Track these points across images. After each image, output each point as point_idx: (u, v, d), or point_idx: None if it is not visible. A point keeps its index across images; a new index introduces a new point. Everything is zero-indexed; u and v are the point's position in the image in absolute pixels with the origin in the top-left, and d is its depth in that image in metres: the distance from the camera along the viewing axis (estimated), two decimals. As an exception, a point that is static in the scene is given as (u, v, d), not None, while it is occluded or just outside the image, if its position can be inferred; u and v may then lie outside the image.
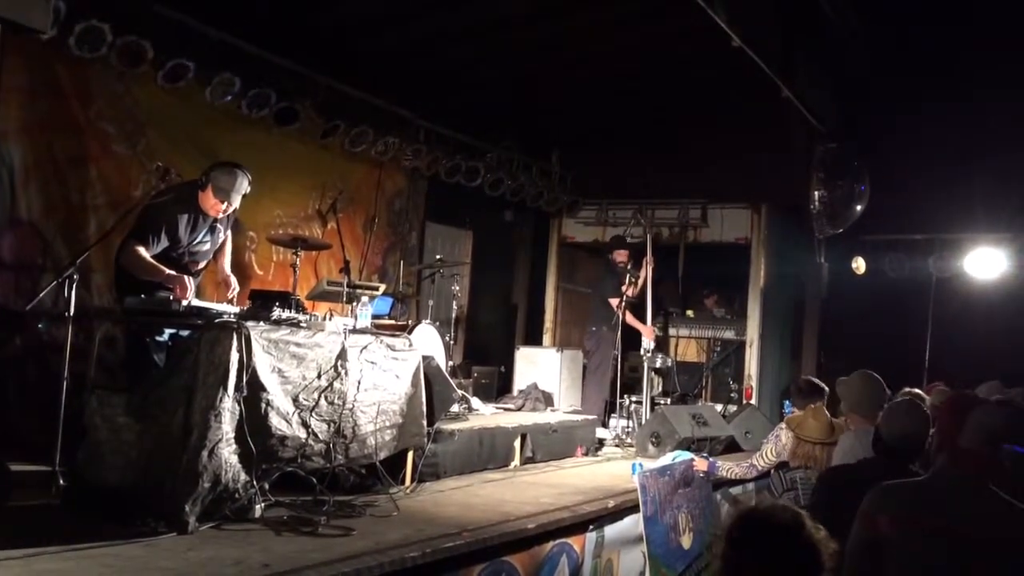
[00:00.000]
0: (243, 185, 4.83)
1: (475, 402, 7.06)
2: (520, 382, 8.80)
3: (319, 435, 4.28)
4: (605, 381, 8.45)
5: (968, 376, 5.72)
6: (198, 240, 4.94)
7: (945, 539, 2.63)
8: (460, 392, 6.30)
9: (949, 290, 9.82)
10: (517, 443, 6.20)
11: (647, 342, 8.33)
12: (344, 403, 4.41)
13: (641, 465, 5.15)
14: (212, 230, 4.99)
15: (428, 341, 6.59)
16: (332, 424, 4.36)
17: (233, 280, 5.15)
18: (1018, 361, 7.71)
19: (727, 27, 6.05)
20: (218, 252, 5.20)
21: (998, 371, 5.83)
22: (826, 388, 5.42)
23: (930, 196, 9.30)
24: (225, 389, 3.78)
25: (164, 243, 4.74)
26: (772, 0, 7.30)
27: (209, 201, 4.80)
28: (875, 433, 3.56)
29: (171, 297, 4.36)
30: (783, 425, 5.08)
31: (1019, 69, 8.45)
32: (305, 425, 4.21)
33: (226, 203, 4.82)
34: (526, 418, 6.84)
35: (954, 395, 3.05)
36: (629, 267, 8.34)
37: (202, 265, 5.13)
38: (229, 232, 5.22)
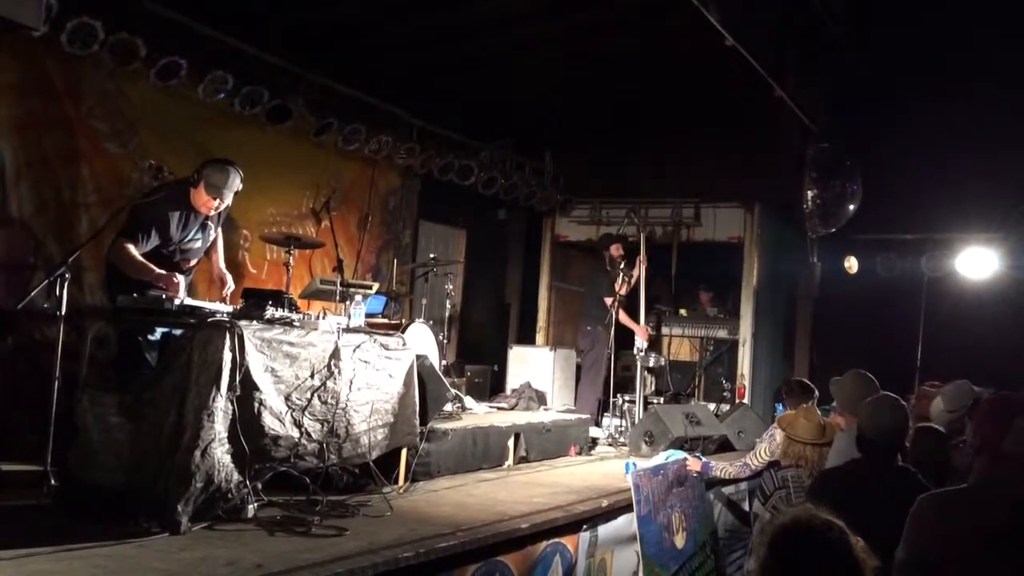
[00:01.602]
0: (235, 182, 4.81)
1: (468, 401, 7.05)
2: (513, 381, 8.80)
3: (312, 435, 4.27)
4: (599, 380, 8.46)
5: (960, 375, 5.73)
6: (189, 238, 4.92)
7: (997, 546, 2.60)
8: (453, 391, 6.29)
9: (941, 290, 9.86)
10: (511, 442, 6.20)
11: (640, 341, 8.34)
12: (337, 402, 4.40)
13: (634, 464, 5.16)
14: (203, 227, 4.97)
15: (421, 340, 6.59)
16: (325, 423, 4.34)
17: (228, 278, 5.13)
18: (1010, 360, 7.75)
19: (720, 26, 6.06)
20: (210, 250, 5.18)
21: (989, 370, 5.85)
22: (815, 389, 5.44)
23: (922, 196, 9.34)
24: (218, 388, 3.76)
25: (155, 241, 4.72)
26: (765, 0, 7.31)
27: (201, 198, 4.78)
28: (858, 433, 3.58)
29: (163, 296, 4.34)
30: (776, 424, 5.10)
31: (1011, 69, 8.49)
32: (298, 425, 4.19)
33: (218, 200, 4.80)
34: (519, 417, 6.83)
35: (996, 398, 3.00)
36: (623, 264, 8.34)
37: (193, 263, 5.11)
38: (220, 230, 5.20)
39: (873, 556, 2.09)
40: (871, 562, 2.08)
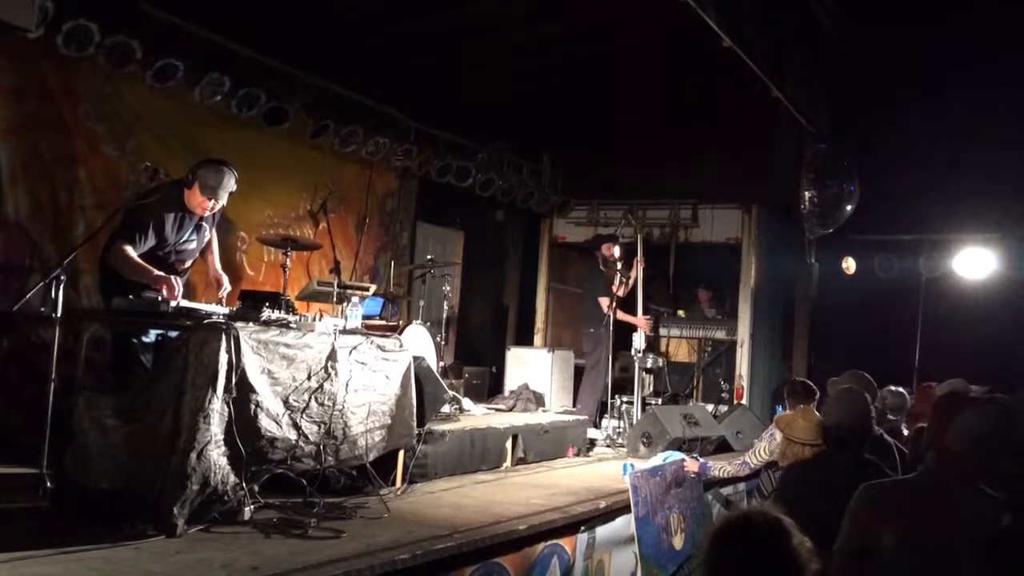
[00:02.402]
0: (230, 182, 4.80)
1: (466, 403, 7.04)
2: (511, 383, 8.80)
3: (309, 436, 4.26)
4: (600, 382, 8.45)
5: (957, 375, 5.74)
6: (184, 239, 4.91)
7: (932, 538, 2.65)
8: (451, 393, 6.28)
9: (939, 290, 9.87)
10: (508, 444, 6.19)
11: (639, 341, 8.32)
12: (334, 404, 4.39)
13: (632, 466, 5.16)
14: (198, 228, 4.96)
15: (419, 341, 6.58)
16: (322, 425, 4.33)
17: (225, 279, 5.12)
18: (1007, 360, 7.75)
19: (717, 27, 6.06)
20: (205, 251, 5.17)
21: (987, 370, 5.86)
22: (817, 390, 5.43)
23: (920, 196, 9.35)
24: (214, 390, 3.75)
25: (151, 242, 4.71)
26: (763, 1, 7.31)
27: (196, 199, 4.77)
28: (824, 429, 3.65)
29: (159, 298, 4.33)
30: (775, 424, 5.09)
31: (1010, 69, 8.49)
32: (295, 426, 4.18)
33: (213, 200, 4.79)
34: (517, 419, 6.82)
35: (943, 395, 3.08)
36: (620, 266, 8.34)
37: (188, 264, 5.10)
38: (214, 231, 5.19)
39: (815, 556, 2.14)
40: (812, 560, 2.12)
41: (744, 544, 2.13)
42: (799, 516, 3.27)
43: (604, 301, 8.24)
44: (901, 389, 5.77)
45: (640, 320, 8.41)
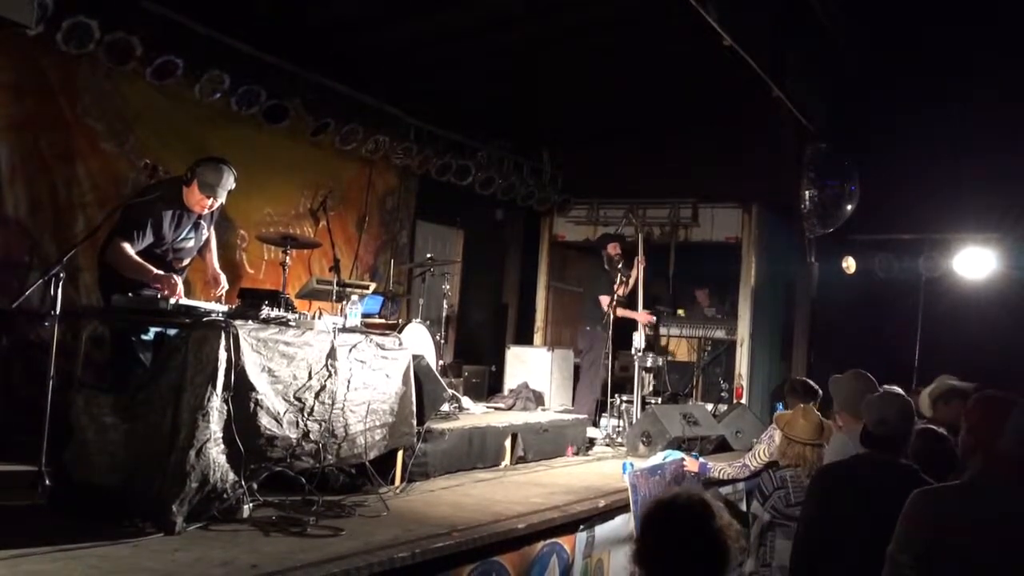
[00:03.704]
0: (229, 181, 4.79)
1: (465, 401, 7.04)
2: (511, 381, 8.80)
3: (309, 435, 4.25)
4: (597, 380, 8.45)
5: (957, 375, 5.73)
6: (182, 237, 4.90)
7: (986, 543, 2.62)
8: (450, 391, 6.28)
9: (938, 290, 9.87)
10: (508, 442, 6.18)
11: (639, 340, 8.31)
12: (334, 402, 4.39)
13: (632, 464, 5.15)
14: (196, 227, 4.95)
15: (418, 340, 6.57)
16: (322, 424, 4.33)
17: (223, 278, 5.11)
18: (1007, 359, 7.75)
19: (718, 26, 6.06)
20: (203, 249, 5.16)
21: (987, 370, 5.85)
22: (819, 390, 5.42)
23: (920, 196, 9.34)
24: (213, 388, 3.75)
25: (149, 239, 4.70)
26: (763, 0, 7.31)
27: (194, 196, 4.76)
28: (863, 429, 3.57)
29: (158, 295, 4.32)
30: (775, 425, 5.09)
31: (1010, 69, 8.49)
32: (295, 425, 4.18)
33: (212, 199, 4.78)
34: (517, 417, 6.82)
35: (990, 396, 3.01)
36: (620, 264, 8.33)
37: (186, 262, 5.10)
38: (213, 229, 5.18)
39: (741, 535, 2.31)
40: (737, 540, 2.26)
41: (669, 522, 2.27)
42: (836, 518, 3.24)
43: (605, 299, 8.24)
44: (899, 389, 5.76)
45: (642, 315, 8.40)
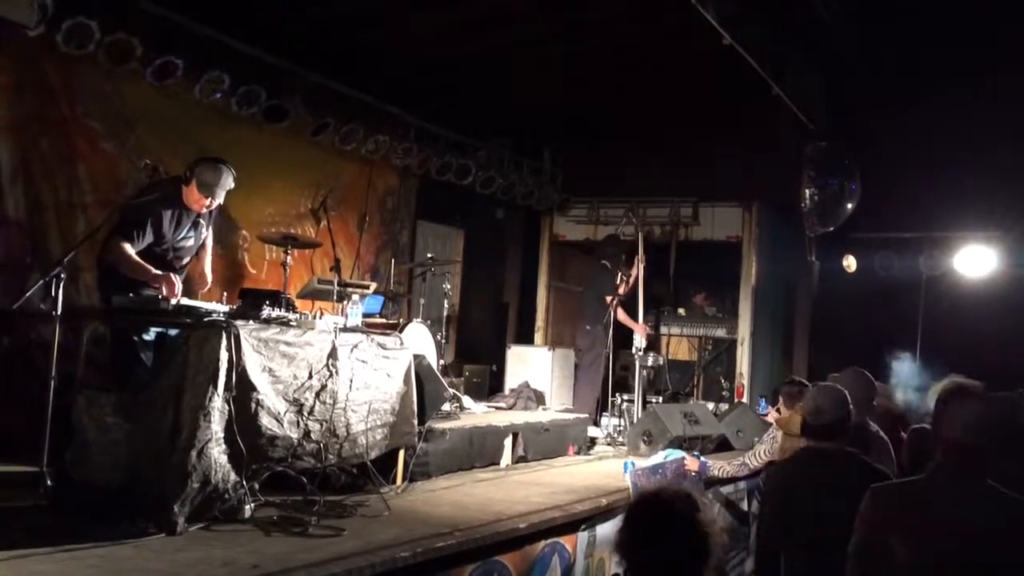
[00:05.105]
0: (228, 180, 4.80)
1: (466, 401, 7.04)
2: (512, 381, 8.79)
3: (310, 435, 4.26)
4: (597, 379, 8.45)
5: (957, 374, 5.72)
6: (182, 236, 4.91)
7: (943, 537, 2.64)
8: (451, 391, 6.28)
9: (939, 288, 9.86)
10: (508, 442, 6.18)
11: (639, 340, 8.33)
12: (335, 402, 4.39)
13: (633, 464, 5.15)
14: (195, 226, 4.96)
15: (419, 340, 6.57)
16: (323, 423, 4.33)
17: (208, 277, 5.13)
18: (1008, 358, 7.74)
19: (718, 25, 6.06)
20: (200, 249, 5.17)
21: (988, 368, 5.84)
22: None
23: (921, 194, 9.33)
24: (214, 388, 3.75)
25: (149, 239, 4.70)
26: (764, -2, 7.31)
27: (193, 196, 4.77)
28: (802, 421, 3.74)
29: (159, 296, 4.32)
30: (776, 425, 5.09)
31: (1010, 68, 8.48)
32: (296, 425, 4.18)
33: (210, 198, 4.79)
34: (518, 417, 6.82)
35: (955, 391, 3.06)
36: (622, 264, 8.33)
37: (185, 261, 5.10)
38: (211, 229, 5.19)
39: (722, 532, 2.37)
40: (720, 535, 2.29)
41: (651, 515, 2.29)
42: (789, 512, 3.35)
43: (607, 299, 8.24)
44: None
45: (639, 327, 8.42)
